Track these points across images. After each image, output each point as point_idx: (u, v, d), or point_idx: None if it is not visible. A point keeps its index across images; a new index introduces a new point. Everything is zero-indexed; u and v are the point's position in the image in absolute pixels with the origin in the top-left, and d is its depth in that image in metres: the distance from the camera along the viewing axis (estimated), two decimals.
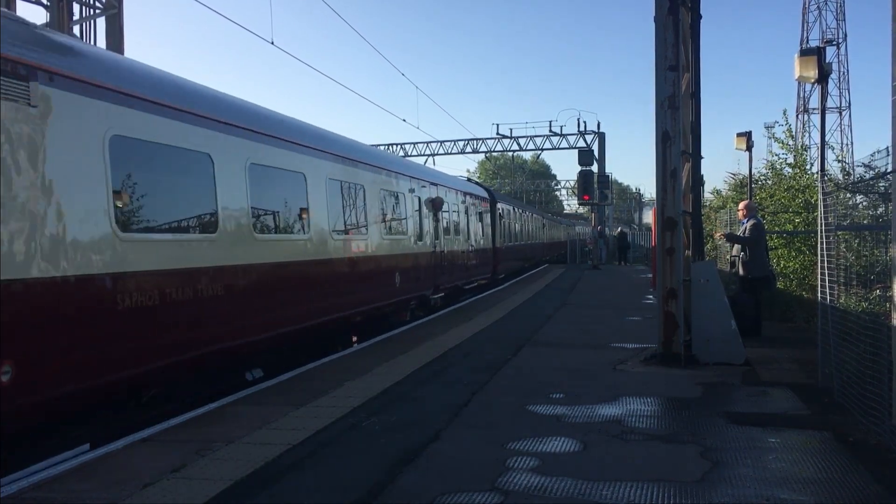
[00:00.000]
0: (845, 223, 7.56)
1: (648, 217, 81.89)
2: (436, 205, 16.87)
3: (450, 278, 18.40)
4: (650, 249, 25.27)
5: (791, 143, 16.05)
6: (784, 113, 18.82)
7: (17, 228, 5.57)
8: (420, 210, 15.92)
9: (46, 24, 13.78)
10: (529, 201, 71.55)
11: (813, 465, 5.40)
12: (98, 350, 6.29)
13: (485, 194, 24.88)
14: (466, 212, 20.91)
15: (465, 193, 21.36)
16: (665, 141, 9.37)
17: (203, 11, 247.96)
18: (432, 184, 17.34)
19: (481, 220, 23.19)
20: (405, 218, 14.82)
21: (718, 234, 13.08)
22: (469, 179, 28.72)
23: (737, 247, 12.18)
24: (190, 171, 7.88)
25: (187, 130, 7.76)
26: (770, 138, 16.93)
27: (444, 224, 18.04)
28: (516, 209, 32.23)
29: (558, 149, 44.21)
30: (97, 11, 14.61)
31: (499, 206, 26.12)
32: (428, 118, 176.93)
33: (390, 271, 13.77)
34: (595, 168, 36.91)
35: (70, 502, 4.84)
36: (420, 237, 15.72)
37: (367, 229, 12.53)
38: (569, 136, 43.16)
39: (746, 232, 11.81)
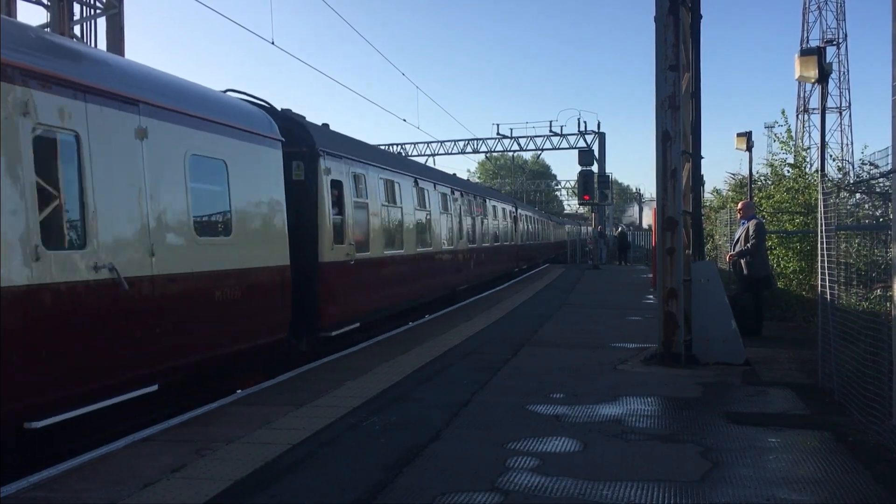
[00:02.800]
0: (847, 221, 7.56)
1: (635, 213, 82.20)
2: None
3: None
4: (650, 249, 25.28)
5: (791, 143, 16.08)
6: (783, 113, 18.88)
7: None
8: None
9: (47, 25, 13.78)
10: (531, 201, 71.38)
11: (813, 465, 5.40)
12: None
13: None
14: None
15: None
16: (665, 141, 9.38)
17: (203, 11, 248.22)
18: None
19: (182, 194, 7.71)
20: None
21: (728, 256, 13.09)
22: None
23: (738, 246, 12.19)
24: None
25: None
26: (771, 138, 17.02)
27: None
28: (403, 176, 14.95)
29: (558, 149, 44.20)
30: (97, 11, 14.60)
31: (327, 161, 10.91)
32: (428, 118, 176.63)
33: None
34: (595, 168, 36.85)
35: (70, 502, 4.84)
36: None
37: None
38: (569, 136, 43.16)
39: (750, 232, 11.83)
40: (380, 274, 13.22)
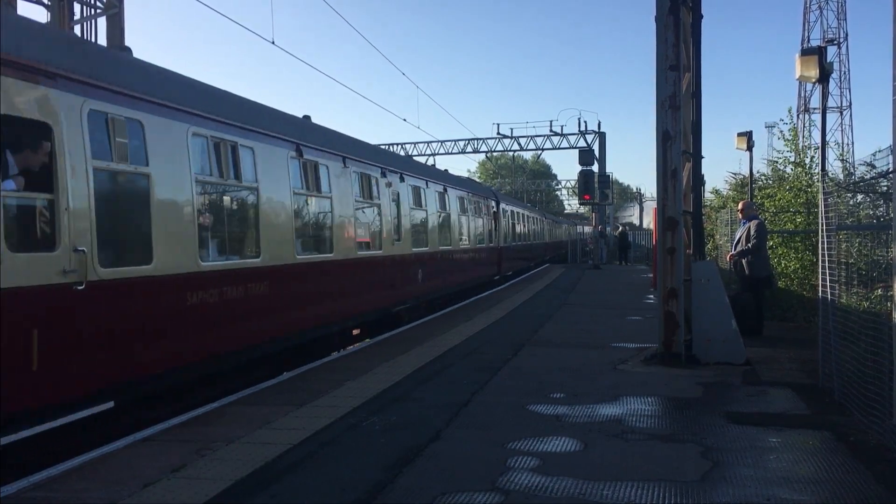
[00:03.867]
0: (848, 221, 7.56)
1: (628, 214, 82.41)
2: None
3: None
4: (651, 249, 25.27)
5: (794, 141, 16.07)
6: (789, 111, 19.02)
7: None
8: None
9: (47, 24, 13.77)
10: (531, 201, 71.25)
11: (813, 464, 5.40)
12: None
13: None
14: None
15: None
16: (666, 141, 9.38)
17: (203, 11, 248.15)
18: None
19: None
20: None
21: (728, 256, 13.13)
22: None
23: (738, 246, 12.20)
24: None
25: None
26: (773, 135, 17.10)
27: None
28: None
29: (559, 149, 44.14)
30: (98, 11, 14.60)
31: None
32: (428, 118, 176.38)
33: None
34: (596, 168, 36.84)
35: (70, 502, 4.84)
36: None
37: None
38: (569, 136, 43.07)
39: (752, 232, 11.85)
40: (186, 303, 7.60)
